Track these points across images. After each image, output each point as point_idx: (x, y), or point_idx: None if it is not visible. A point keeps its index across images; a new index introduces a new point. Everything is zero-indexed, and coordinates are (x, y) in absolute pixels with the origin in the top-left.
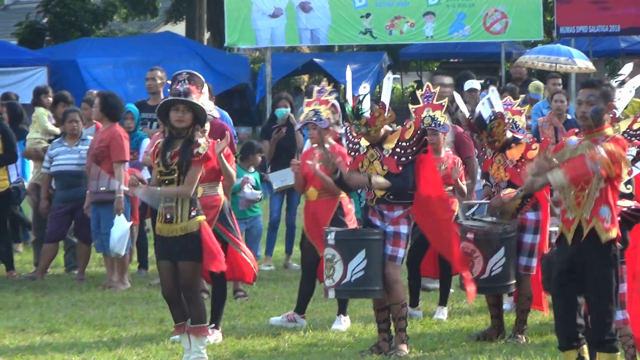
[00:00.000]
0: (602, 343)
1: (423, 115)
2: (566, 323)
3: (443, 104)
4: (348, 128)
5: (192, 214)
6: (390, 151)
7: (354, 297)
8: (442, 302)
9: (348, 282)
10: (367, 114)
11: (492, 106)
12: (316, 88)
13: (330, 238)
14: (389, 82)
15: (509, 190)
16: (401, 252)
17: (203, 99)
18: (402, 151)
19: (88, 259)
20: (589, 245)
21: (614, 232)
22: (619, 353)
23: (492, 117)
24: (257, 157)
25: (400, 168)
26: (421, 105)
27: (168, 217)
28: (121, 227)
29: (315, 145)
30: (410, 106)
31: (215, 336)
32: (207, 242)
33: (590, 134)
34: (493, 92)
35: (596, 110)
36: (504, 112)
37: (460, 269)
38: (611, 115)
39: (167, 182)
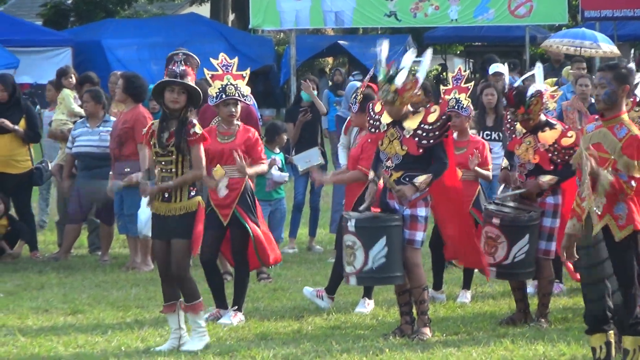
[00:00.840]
0: (627, 326)
1: (449, 97)
2: (595, 305)
3: (469, 87)
4: (371, 104)
5: (192, 193)
6: (412, 132)
7: (376, 284)
8: (466, 285)
9: (370, 269)
10: (399, 83)
11: (534, 82)
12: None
13: (351, 225)
14: (427, 59)
15: (549, 177)
16: (419, 235)
17: (240, 84)
18: (424, 134)
19: (111, 240)
20: (606, 231)
21: (630, 229)
22: None
23: (532, 94)
24: (283, 137)
25: (420, 150)
26: (450, 87)
27: (166, 195)
28: (148, 209)
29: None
30: (442, 86)
31: (238, 318)
32: (197, 224)
33: (607, 121)
34: (539, 68)
35: (608, 92)
36: (543, 91)
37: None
38: (631, 99)
39: (163, 162)
